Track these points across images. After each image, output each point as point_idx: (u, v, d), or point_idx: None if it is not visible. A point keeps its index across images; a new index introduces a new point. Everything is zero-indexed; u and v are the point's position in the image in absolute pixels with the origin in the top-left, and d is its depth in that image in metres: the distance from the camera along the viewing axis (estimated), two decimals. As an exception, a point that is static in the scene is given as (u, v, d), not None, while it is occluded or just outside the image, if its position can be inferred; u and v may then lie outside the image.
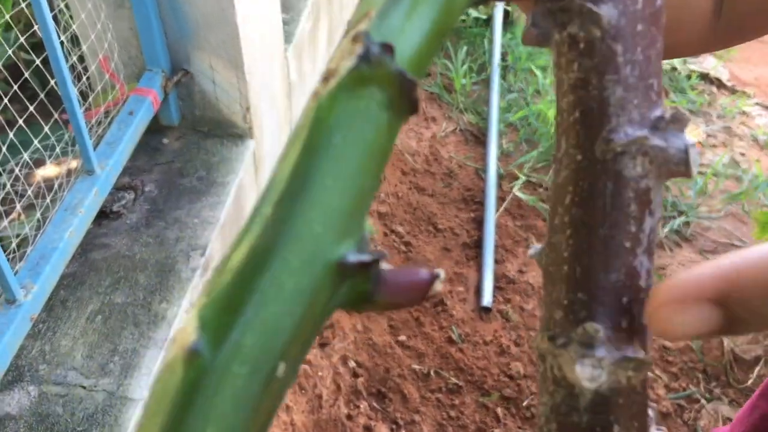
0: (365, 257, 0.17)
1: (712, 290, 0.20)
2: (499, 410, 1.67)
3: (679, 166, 0.20)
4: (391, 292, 0.18)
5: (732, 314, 0.20)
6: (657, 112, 0.20)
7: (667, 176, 0.20)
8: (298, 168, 0.17)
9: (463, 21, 2.73)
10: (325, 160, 0.17)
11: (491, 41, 2.59)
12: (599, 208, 0.20)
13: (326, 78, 0.18)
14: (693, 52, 0.51)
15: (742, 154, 2.41)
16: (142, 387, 0.83)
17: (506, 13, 2.72)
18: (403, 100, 0.18)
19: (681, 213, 2.15)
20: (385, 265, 0.18)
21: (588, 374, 0.20)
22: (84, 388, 0.83)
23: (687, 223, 2.12)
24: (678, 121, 0.20)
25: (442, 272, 0.19)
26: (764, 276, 0.19)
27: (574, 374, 0.20)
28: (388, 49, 0.17)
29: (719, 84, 2.73)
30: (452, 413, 1.68)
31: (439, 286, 0.19)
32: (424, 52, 0.18)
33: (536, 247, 0.23)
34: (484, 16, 2.71)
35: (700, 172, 2.30)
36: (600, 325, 0.20)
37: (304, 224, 0.16)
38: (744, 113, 2.60)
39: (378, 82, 0.17)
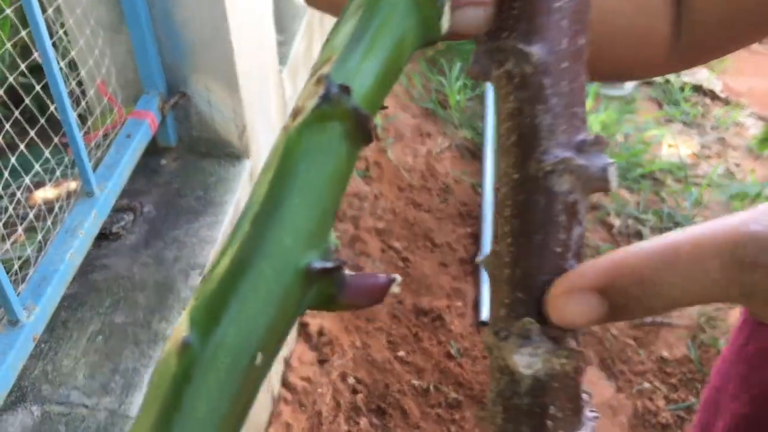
0: (328, 264, 0.20)
1: (595, 281, 0.23)
2: (499, 424, 1.68)
3: (600, 181, 0.23)
4: (353, 294, 0.21)
5: (614, 302, 0.23)
6: (581, 136, 0.23)
7: (591, 191, 0.23)
8: (271, 191, 0.20)
9: (457, 38, 2.75)
10: (293, 185, 0.20)
11: (485, 57, 2.62)
12: (534, 219, 0.23)
13: (294, 115, 0.20)
14: (656, 73, 0.53)
15: (737, 165, 2.43)
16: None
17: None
18: (359, 132, 0.20)
19: (677, 224, 2.17)
20: (348, 272, 0.21)
21: (525, 362, 0.23)
22: (86, 407, 0.84)
23: (683, 234, 2.13)
24: (599, 143, 0.23)
25: (398, 277, 0.22)
26: (640, 268, 0.22)
27: (513, 362, 0.24)
28: (345, 90, 0.20)
29: (713, 95, 2.76)
30: (452, 428, 1.69)
31: (396, 289, 0.22)
32: (377, 90, 0.21)
33: (484, 254, 0.25)
34: (478, 33, 2.74)
35: (695, 183, 2.32)
36: (536, 319, 0.23)
37: (276, 239, 0.19)
38: (738, 124, 2.62)
39: (337, 118, 0.20)
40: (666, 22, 0.48)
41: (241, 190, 1.15)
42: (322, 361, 1.73)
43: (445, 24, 0.23)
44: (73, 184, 1.00)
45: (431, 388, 1.74)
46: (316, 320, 1.77)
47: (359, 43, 0.21)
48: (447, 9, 0.23)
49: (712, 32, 0.48)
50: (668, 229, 2.15)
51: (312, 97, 0.20)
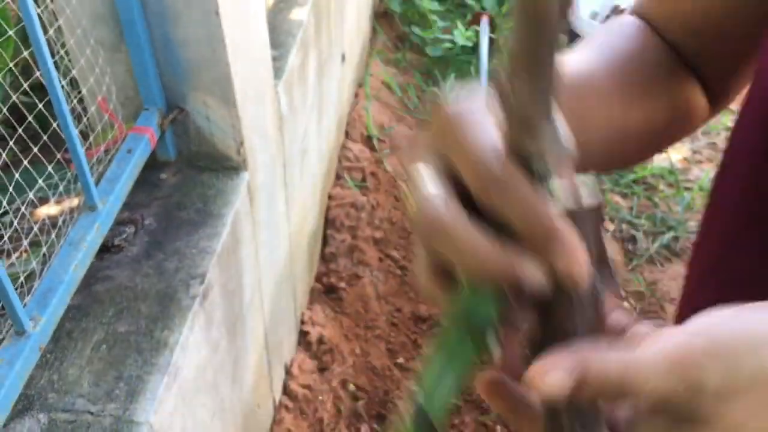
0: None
1: (569, 375, 0.32)
2: (498, 428, 1.70)
3: None
4: None
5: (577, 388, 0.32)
6: None
7: None
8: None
9: (450, 49, 2.79)
10: None
11: (478, 68, 2.66)
12: None
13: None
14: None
15: (729, 169, 2.46)
16: (147, 411, 0.87)
17: (491, 41, 2.78)
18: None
19: (670, 228, 2.20)
20: None
21: None
22: (91, 414, 0.87)
23: (676, 238, 2.17)
24: None
25: None
26: (605, 375, 0.32)
27: None
28: (426, 417, 0.35)
29: (703, 101, 2.79)
30: (452, 433, 1.71)
31: None
32: (444, 412, 0.36)
33: None
34: (470, 44, 2.78)
35: (687, 188, 2.36)
36: None
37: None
38: (728, 129, 2.65)
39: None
40: (701, 100, 0.57)
41: (239, 202, 1.18)
42: (322, 369, 1.76)
43: (496, 355, 0.35)
44: (75, 201, 1.03)
45: (430, 394, 1.76)
46: (316, 329, 1.80)
47: (437, 383, 0.36)
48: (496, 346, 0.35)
49: (738, 89, 0.60)
50: (662, 233, 2.18)
51: (405, 413, 0.36)
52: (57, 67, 0.94)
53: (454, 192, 0.34)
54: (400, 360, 1.82)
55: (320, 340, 1.79)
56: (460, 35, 2.78)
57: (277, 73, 1.41)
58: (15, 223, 0.92)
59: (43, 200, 1.04)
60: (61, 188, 1.01)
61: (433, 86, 2.65)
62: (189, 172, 1.20)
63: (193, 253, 1.07)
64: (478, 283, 0.33)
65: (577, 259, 0.31)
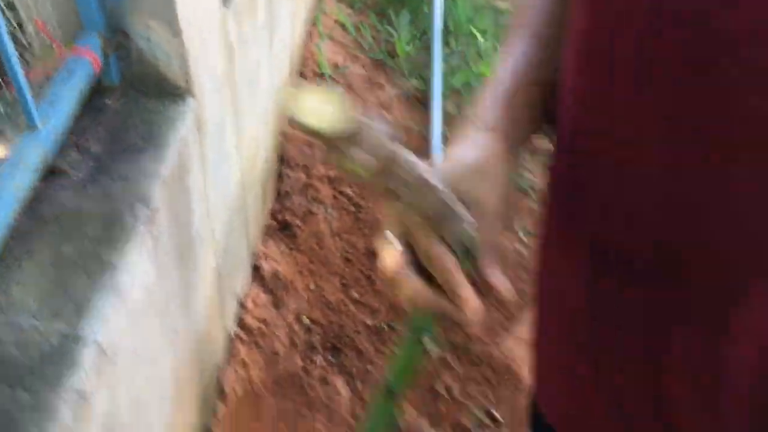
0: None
1: None
2: (448, 357, 1.74)
3: None
4: None
5: None
6: None
7: None
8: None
9: (404, -12, 2.77)
10: None
11: (431, 8, 2.64)
12: None
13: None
14: None
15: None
16: (93, 328, 0.88)
17: (446, -20, 2.76)
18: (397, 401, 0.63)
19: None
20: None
21: None
22: (38, 331, 0.87)
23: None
24: None
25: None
26: None
27: None
28: (390, 387, 0.63)
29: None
30: (406, 363, 1.75)
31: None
32: (404, 383, 0.62)
33: None
34: (425, -17, 2.76)
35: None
36: None
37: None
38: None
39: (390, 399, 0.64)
40: None
41: (185, 128, 1.17)
42: (277, 304, 1.77)
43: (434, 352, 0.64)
44: (17, 123, 1.01)
45: (385, 326, 1.80)
46: (270, 264, 1.81)
47: (399, 368, 0.61)
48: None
49: None
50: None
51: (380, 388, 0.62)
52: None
53: (408, 252, 0.54)
54: (354, 294, 1.84)
55: (275, 276, 1.80)
56: (415, -25, 2.75)
57: (225, 1, 1.39)
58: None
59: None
60: (1, 110, 0.99)
61: (387, 25, 2.63)
62: (134, 98, 1.18)
63: (139, 177, 1.06)
64: (420, 310, 0.56)
65: (470, 307, 0.54)
